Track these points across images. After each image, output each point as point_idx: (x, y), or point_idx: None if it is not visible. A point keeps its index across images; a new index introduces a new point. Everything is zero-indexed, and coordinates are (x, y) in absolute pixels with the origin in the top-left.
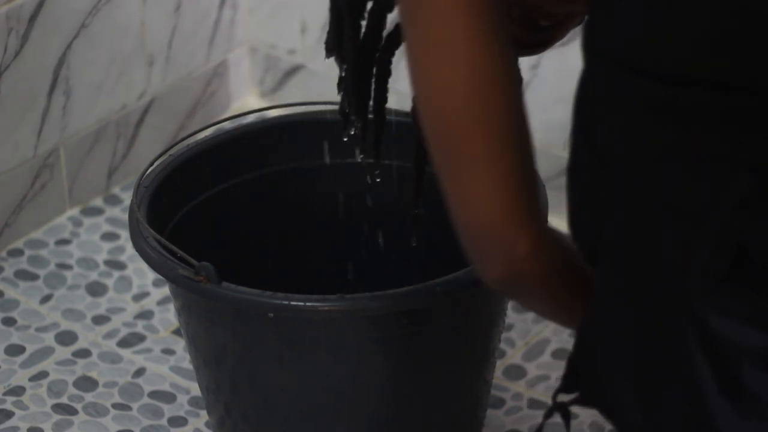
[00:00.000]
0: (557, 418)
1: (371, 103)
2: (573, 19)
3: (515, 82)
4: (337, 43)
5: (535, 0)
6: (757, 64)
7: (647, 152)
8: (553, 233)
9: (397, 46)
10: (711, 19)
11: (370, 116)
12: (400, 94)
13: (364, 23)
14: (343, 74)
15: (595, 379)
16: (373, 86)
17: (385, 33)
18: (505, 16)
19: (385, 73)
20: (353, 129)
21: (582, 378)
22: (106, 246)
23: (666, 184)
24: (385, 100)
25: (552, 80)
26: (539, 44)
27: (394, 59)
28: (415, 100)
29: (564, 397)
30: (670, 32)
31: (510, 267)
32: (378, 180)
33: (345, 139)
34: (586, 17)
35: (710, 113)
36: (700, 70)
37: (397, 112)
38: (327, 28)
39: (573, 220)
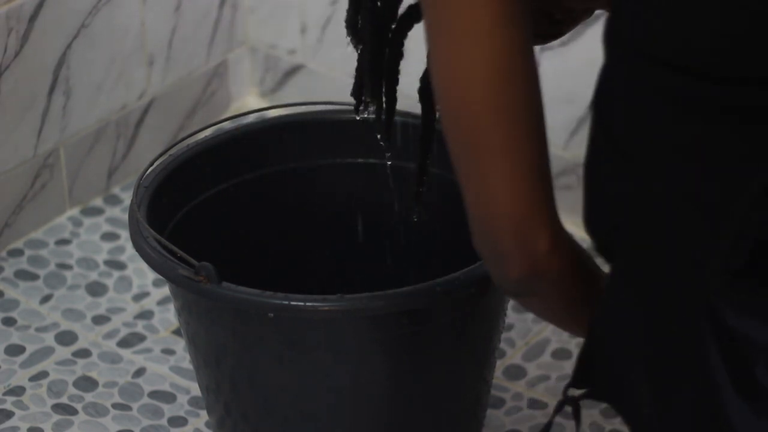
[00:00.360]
0: (557, 418)
1: (384, 83)
2: (588, 12)
3: (536, 75)
4: (354, 23)
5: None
6: None
7: (667, 146)
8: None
9: (410, 28)
10: (736, 14)
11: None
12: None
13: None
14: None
15: (608, 374)
16: (385, 67)
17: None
18: (528, 7)
19: (398, 54)
20: (366, 110)
21: (594, 373)
22: (106, 246)
23: (685, 178)
24: (396, 81)
25: (552, 80)
26: (550, 35)
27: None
28: (434, 90)
29: (574, 392)
30: (695, 25)
31: (531, 264)
32: (389, 158)
33: (357, 119)
34: (611, 9)
35: (732, 108)
36: (723, 65)
37: (397, 112)
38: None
39: (589, 214)
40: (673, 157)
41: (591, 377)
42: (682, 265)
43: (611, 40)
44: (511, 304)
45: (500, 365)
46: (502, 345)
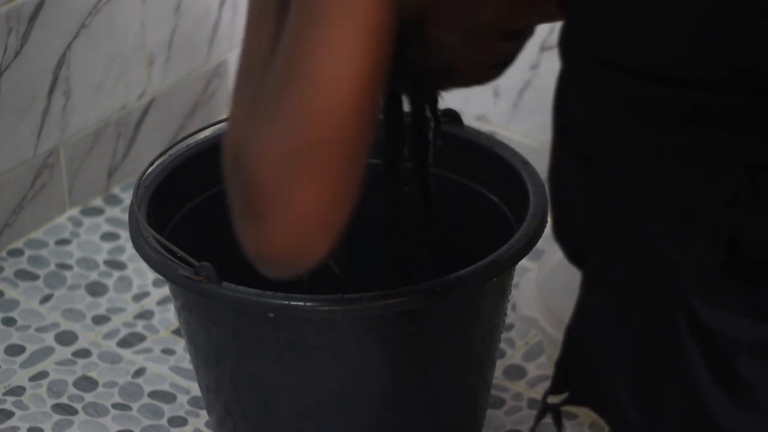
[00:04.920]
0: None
1: None
2: (530, 33)
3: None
4: None
5: (489, 16)
6: (745, 63)
7: (631, 150)
8: None
9: None
10: (698, 17)
11: None
12: None
13: None
14: None
15: (587, 379)
16: None
17: None
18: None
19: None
20: None
21: (573, 378)
22: (106, 246)
23: (655, 181)
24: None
25: (552, 80)
26: (501, 63)
27: None
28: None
29: (555, 399)
30: (656, 30)
31: (288, 235)
32: None
33: None
34: (566, 16)
35: (695, 111)
36: (686, 68)
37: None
38: None
39: (557, 222)
40: (637, 160)
41: (570, 383)
42: (655, 267)
43: (567, 47)
44: (511, 304)
45: (500, 365)
46: (502, 345)
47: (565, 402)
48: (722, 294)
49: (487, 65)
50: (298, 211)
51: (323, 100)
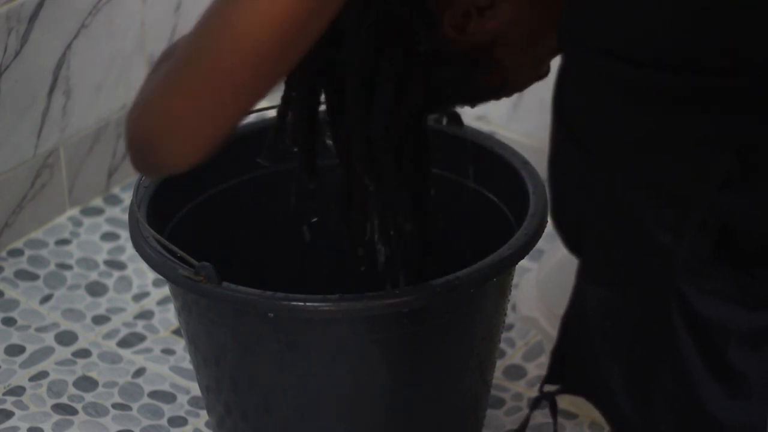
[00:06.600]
0: (558, 419)
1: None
2: None
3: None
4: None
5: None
6: (736, 46)
7: (626, 138)
8: None
9: None
10: (697, 4)
11: None
12: None
13: None
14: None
15: (582, 369)
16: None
17: None
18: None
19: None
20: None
21: (569, 367)
22: (106, 246)
23: (649, 168)
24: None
25: (552, 80)
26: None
27: None
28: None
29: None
30: (648, 17)
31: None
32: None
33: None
34: (563, 6)
35: (690, 96)
36: (678, 53)
37: None
38: None
39: (556, 211)
40: (632, 148)
41: (565, 372)
42: (649, 254)
43: (567, 37)
44: (511, 304)
45: (500, 365)
46: (502, 345)
47: (560, 391)
48: (715, 281)
49: (538, 78)
50: (172, 107)
51: (234, 42)
